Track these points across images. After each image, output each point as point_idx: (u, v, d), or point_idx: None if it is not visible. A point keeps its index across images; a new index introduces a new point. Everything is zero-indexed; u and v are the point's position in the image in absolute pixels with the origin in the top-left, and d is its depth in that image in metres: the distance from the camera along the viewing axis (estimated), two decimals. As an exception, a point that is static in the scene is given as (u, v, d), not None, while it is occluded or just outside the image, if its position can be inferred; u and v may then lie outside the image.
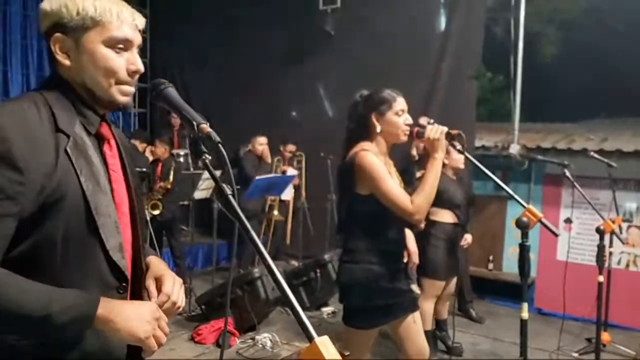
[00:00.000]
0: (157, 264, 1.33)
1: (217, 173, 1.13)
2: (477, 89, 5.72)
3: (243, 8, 6.64)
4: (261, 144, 5.88)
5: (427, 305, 3.78)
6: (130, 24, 1.16)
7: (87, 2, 1.13)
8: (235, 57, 6.78)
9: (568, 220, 5.34)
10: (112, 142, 1.24)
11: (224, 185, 1.09)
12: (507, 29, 5.78)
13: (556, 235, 1.96)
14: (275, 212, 6.12)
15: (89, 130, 1.17)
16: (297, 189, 6.37)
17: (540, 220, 1.91)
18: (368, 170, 2.20)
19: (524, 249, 1.91)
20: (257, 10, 6.54)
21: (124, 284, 1.18)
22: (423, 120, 2.40)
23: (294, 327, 4.39)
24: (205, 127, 1.11)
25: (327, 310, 4.79)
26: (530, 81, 5.73)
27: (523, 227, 1.89)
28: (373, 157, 2.22)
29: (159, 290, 1.26)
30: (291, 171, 6.17)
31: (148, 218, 1.14)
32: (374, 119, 2.29)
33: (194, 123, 1.11)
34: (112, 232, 1.15)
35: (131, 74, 1.18)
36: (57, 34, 1.14)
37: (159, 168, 5.35)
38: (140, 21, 1.20)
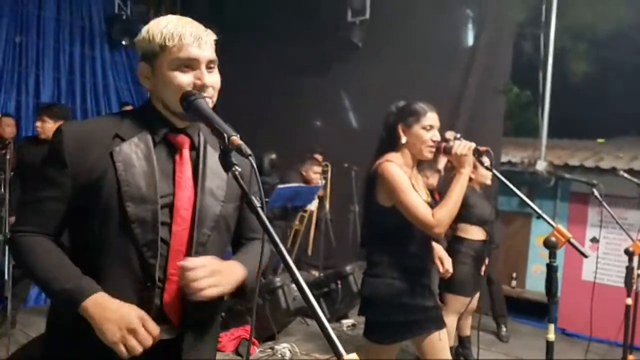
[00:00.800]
0: (221, 262, 1.31)
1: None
2: (504, 103, 5.66)
3: (272, 19, 6.73)
4: (316, 172, 5.65)
5: (450, 321, 3.73)
6: (193, 44, 1.25)
7: (157, 30, 1.27)
8: (263, 67, 6.84)
9: (594, 240, 5.23)
10: (185, 152, 1.33)
11: (253, 197, 1.10)
12: (536, 44, 5.71)
13: (586, 256, 1.92)
14: (297, 222, 6.12)
15: (155, 139, 1.30)
16: (321, 199, 6.36)
17: (569, 241, 1.86)
18: (390, 180, 2.19)
19: (551, 269, 1.86)
20: (286, 22, 6.61)
21: (150, 282, 1.25)
22: (449, 135, 2.39)
23: (313, 338, 4.38)
24: (236, 139, 1.12)
25: (347, 322, 4.77)
26: (558, 97, 5.65)
27: (551, 247, 1.85)
28: (396, 167, 2.21)
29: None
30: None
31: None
32: (400, 130, 2.29)
33: (225, 135, 1.12)
34: (148, 229, 1.24)
35: (198, 88, 1.26)
36: (140, 62, 1.31)
37: None
38: (208, 38, 1.29)
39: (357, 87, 6.34)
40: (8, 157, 3.29)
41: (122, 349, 1.15)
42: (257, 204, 1.08)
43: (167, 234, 1.27)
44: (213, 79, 1.30)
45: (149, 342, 1.18)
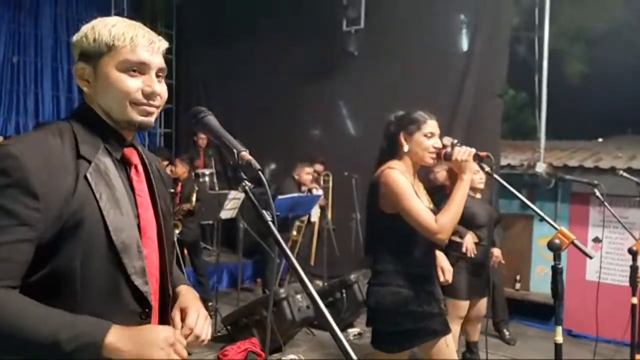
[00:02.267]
0: (185, 294, 1.31)
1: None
2: (501, 107, 5.69)
3: (268, 29, 6.77)
4: (308, 173, 5.74)
5: (453, 327, 3.73)
6: (146, 47, 1.16)
7: (104, 29, 1.15)
8: (260, 76, 6.88)
9: (597, 240, 5.24)
10: (140, 167, 1.24)
11: (264, 211, 1.12)
12: (531, 46, 5.76)
13: (590, 257, 1.93)
14: (294, 233, 6.08)
15: (114, 156, 1.18)
16: (322, 209, 6.37)
17: (572, 242, 1.88)
18: (392, 187, 2.21)
19: (556, 272, 1.88)
20: (282, 31, 6.66)
21: (147, 310, 1.16)
22: (447, 140, 2.40)
23: (320, 348, 4.37)
24: (246, 154, 1.12)
25: (353, 331, 4.75)
26: (555, 99, 5.69)
27: (555, 249, 1.86)
28: (398, 174, 2.23)
29: (184, 321, 1.24)
30: (316, 191, 6.18)
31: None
32: (402, 139, 2.31)
33: (235, 151, 1.12)
34: (134, 256, 1.13)
35: (147, 95, 1.16)
36: (78, 62, 1.18)
37: (178, 188, 5.40)
38: (161, 44, 1.19)
39: (354, 96, 6.38)
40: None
41: None
42: (268, 217, 1.08)
43: None
44: (162, 89, 1.20)
45: (184, 352, 1.12)
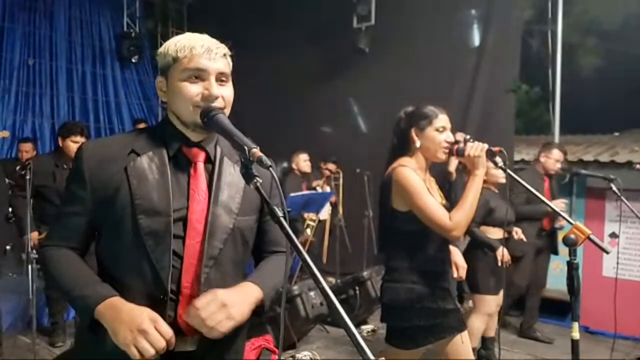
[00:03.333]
0: (233, 288, 1.30)
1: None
2: (514, 102, 5.64)
3: (278, 27, 6.78)
4: (305, 160, 5.80)
5: (479, 324, 3.73)
6: (203, 55, 1.29)
7: (171, 44, 1.32)
8: (270, 74, 6.89)
9: (613, 235, 5.17)
10: (200, 165, 1.35)
11: (275, 207, 1.12)
12: (543, 40, 5.69)
13: (607, 252, 1.91)
14: (308, 231, 6.08)
15: (170, 153, 1.33)
16: (334, 206, 6.37)
17: (589, 237, 1.85)
18: (405, 185, 2.19)
19: (572, 267, 1.86)
20: (292, 28, 6.66)
21: (164, 295, 1.26)
22: (459, 136, 2.38)
23: (333, 345, 4.38)
24: (257, 151, 1.13)
25: (366, 328, 4.75)
26: (569, 93, 5.62)
27: (571, 244, 1.84)
28: (410, 171, 2.21)
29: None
30: (328, 188, 6.18)
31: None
32: (413, 134, 2.29)
33: (246, 148, 1.14)
34: (161, 242, 1.26)
35: (206, 98, 1.28)
36: (158, 76, 1.37)
37: None
38: (219, 51, 1.32)
39: (365, 93, 6.36)
40: (28, 177, 3.34)
41: (134, 350, 1.13)
42: (280, 213, 1.10)
43: (181, 247, 1.29)
44: (224, 91, 1.31)
45: (161, 343, 1.15)
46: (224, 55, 1.33)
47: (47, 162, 3.99)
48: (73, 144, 3.79)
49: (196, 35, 1.34)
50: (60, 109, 6.65)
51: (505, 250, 3.62)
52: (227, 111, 1.32)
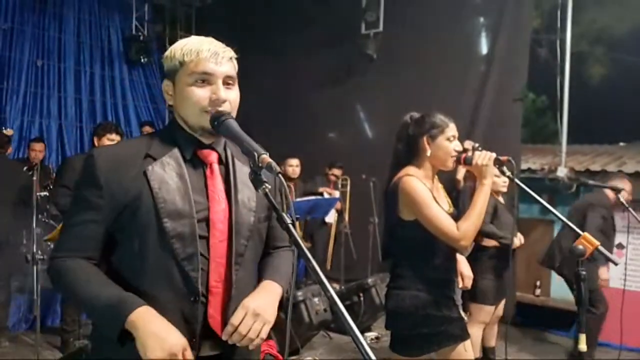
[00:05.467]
0: (258, 290, 1.35)
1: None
2: (522, 110, 5.62)
3: (286, 32, 6.79)
4: (291, 165, 5.78)
5: (475, 332, 3.69)
6: (210, 59, 1.28)
7: (178, 48, 1.32)
8: (278, 79, 6.90)
9: (620, 246, 5.13)
10: (215, 166, 1.36)
11: (284, 214, 1.12)
12: (551, 49, 5.69)
13: (615, 264, 1.90)
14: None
15: (185, 156, 1.33)
16: (340, 213, 6.35)
17: (597, 249, 1.84)
18: (412, 195, 2.18)
19: (580, 278, 1.85)
20: (300, 34, 6.67)
21: (196, 296, 1.26)
22: (467, 144, 2.38)
23: (337, 351, 4.36)
24: (266, 157, 1.13)
25: (370, 335, 4.73)
26: (576, 102, 5.60)
27: (579, 255, 1.83)
28: (417, 182, 2.21)
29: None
30: (334, 193, 6.17)
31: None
32: (425, 143, 2.28)
33: (255, 154, 1.14)
34: (188, 243, 1.26)
35: (213, 102, 1.28)
36: (164, 80, 1.36)
37: None
38: (226, 54, 1.32)
39: (373, 99, 6.36)
40: (35, 178, 3.36)
41: None
42: (288, 220, 1.10)
43: (206, 247, 1.30)
44: (230, 95, 1.31)
45: None
46: (230, 58, 1.34)
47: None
48: (110, 142, 3.81)
49: (202, 38, 1.35)
50: (67, 111, 6.66)
51: (520, 235, 3.61)
52: (234, 114, 1.33)
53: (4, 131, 4.96)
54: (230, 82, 1.33)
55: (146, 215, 1.25)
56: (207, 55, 1.28)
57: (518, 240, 3.65)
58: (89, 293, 1.23)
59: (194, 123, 1.31)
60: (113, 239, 1.30)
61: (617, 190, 3.46)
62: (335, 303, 0.96)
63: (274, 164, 1.12)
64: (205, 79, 1.28)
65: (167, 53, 1.34)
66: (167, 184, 1.27)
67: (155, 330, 1.16)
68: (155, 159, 1.29)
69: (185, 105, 1.30)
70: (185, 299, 1.26)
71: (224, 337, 1.27)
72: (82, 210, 1.28)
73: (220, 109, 1.28)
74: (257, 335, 1.27)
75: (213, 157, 1.36)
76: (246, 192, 1.38)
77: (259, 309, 1.28)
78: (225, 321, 1.29)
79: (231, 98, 1.31)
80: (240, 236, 1.34)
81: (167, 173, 1.28)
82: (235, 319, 1.26)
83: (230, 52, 1.34)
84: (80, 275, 1.26)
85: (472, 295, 3.64)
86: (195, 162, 1.34)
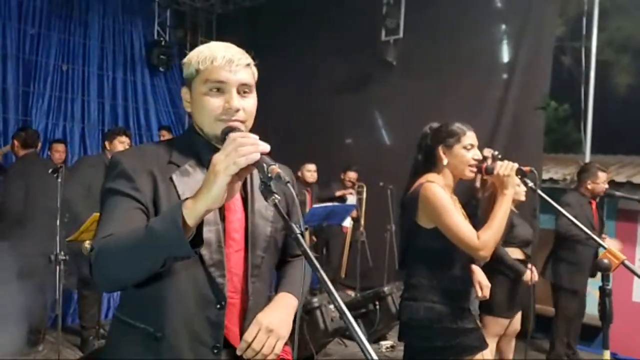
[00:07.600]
0: (272, 304, 1.35)
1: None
2: (544, 119, 5.52)
3: (306, 38, 6.80)
4: (309, 170, 5.83)
5: (489, 345, 3.62)
6: (224, 67, 1.26)
7: (194, 55, 1.30)
8: (297, 85, 6.91)
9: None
10: None
11: (293, 224, 1.10)
12: (576, 57, 5.59)
13: (640, 278, 1.83)
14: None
15: (204, 164, 1.30)
16: (356, 220, 6.32)
17: (623, 263, 1.79)
18: (432, 201, 2.15)
19: (605, 293, 1.79)
20: (320, 41, 6.68)
21: (222, 302, 1.26)
22: (487, 152, 2.34)
23: (351, 359, 4.32)
24: (275, 168, 1.10)
25: (385, 344, 4.68)
26: (600, 112, 5.48)
27: (604, 269, 1.78)
28: (439, 188, 2.18)
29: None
30: (351, 199, 6.14)
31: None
32: (441, 152, 2.25)
33: (264, 165, 1.11)
34: (214, 250, 1.25)
35: (227, 111, 1.26)
36: (183, 87, 1.35)
37: None
38: (241, 62, 1.28)
39: (391, 106, 6.32)
40: (59, 180, 3.39)
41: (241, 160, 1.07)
42: (297, 230, 1.08)
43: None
44: (245, 103, 1.28)
45: (255, 136, 1.11)
46: (247, 65, 1.30)
47: (98, 161, 4.08)
48: (120, 144, 4.02)
49: (219, 44, 1.32)
50: (90, 114, 6.78)
51: (534, 269, 3.50)
52: (250, 123, 1.31)
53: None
54: (246, 90, 1.29)
55: None
56: (222, 63, 1.26)
57: (529, 273, 3.39)
58: (137, 237, 1.12)
59: (208, 131, 1.30)
60: None
61: (643, 203, 3.36)
62: (343, 313, 0.95)
63: (283, 174, 1.08)
64: (219, 87, 1.26)
65: (185, 59, 1.33)
66: (192, 191, 1.19)
67: (203, 180, 1.10)
68: (178, 166, 1.29)
69: (200, 114, 1.29)
70: (212, 305, 1.26)
71: (238, 353, 1.27)
72: (118, 201, 1.22)
73: (235, 118, 1.26)
74: (271, 351, 1.27)
75: None
76: (263, 202, 1.34)
77: (272, 324, 1.28)
78: (242, 332, 1.29)
79: (246, 106, 1.28)
80: (257, 248, 1.34)
81: (191, 179, 1.28)
82: (248, 335, 1.26)
83: (246, 59, 1.30)
84: (127, 232, 1.15)
85: (486, 308, 3.57)
86: None
